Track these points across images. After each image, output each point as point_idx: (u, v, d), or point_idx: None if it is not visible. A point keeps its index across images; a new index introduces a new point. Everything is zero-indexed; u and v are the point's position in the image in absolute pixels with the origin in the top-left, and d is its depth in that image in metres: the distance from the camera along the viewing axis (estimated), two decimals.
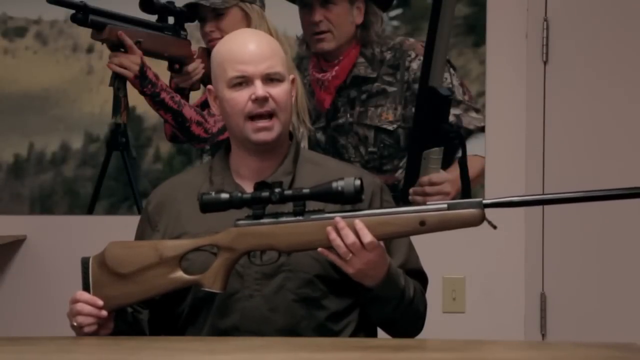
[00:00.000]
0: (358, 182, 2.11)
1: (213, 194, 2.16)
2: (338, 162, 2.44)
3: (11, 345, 2.19)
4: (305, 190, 2.14)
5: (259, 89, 2.23)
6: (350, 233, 2.10)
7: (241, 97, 2.24)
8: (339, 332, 2.27)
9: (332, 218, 2.12)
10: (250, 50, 2.25)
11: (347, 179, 2.12)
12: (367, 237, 2.10)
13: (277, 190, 2.14)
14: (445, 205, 2.12)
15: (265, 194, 2.14)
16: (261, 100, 2.23)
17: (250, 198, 2.15)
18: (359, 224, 2.10)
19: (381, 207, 2.27)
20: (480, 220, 2.14)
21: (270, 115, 2.25)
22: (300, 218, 2.14)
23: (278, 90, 2.25)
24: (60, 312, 3.76)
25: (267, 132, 2.25)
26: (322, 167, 2.34)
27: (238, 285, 2.23)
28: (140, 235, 2.39)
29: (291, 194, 2.15)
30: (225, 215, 2.17)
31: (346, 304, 2.28)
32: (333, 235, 2.11)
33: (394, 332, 2.31)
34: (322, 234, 2.11)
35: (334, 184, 2.11)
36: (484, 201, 2.16)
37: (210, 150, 3.77)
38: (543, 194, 2.25)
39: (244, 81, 2.24)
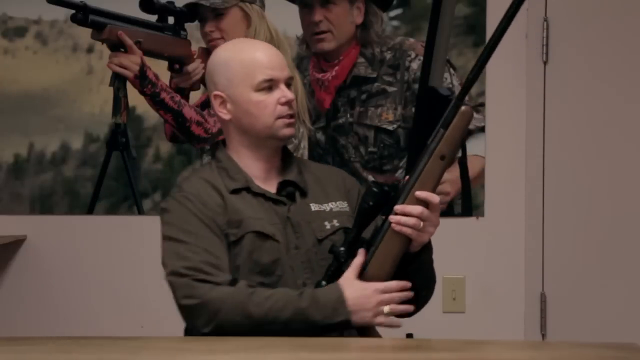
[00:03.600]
0: (373, 188, 2.28)
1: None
2: (315, 163, 2.64)
3: (11, 345, 2.19)
4: (353, 231, 2.31)
5: (288, 92, 2.39)
6: (410, 206, 2.25)
7: (271, 100, 2.37)
8: None
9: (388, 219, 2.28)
10: (275, 57, 2.41)
11: (363, 194, 2.31)
12: (435, 197, 2.26)
13: (341, 250, 2.30)
14: (442, 130, 2.26)
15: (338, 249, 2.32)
16: (290, 103, 2.39)
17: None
18: (420, 193, 2.25)
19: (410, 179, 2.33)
20: (471, 111, 2.29)
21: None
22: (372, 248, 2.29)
23: (293, 95, 2.41)
24: (60, 312, 3.77)
25: (291, 127, 2.40)
26: (305, 163, 2.53)
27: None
28: (193, 225, 2.36)
29: (351, 240, 2.31)
30: (266, 205, 2.37)
31: None
32: (396, 219, 2.25)
33: (425, 296, 2.39)
34: (396, 238, 2.26)
35: (363, 205, 2.29)
36: (455, 98, 2.30)
37: (210, 151, 3.76)
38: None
39: (272, 85, 2.38)
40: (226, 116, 2.40)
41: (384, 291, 2.27)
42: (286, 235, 2.36)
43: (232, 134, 2.42)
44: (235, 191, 2.37)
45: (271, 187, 2.40)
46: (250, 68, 2.37)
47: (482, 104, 3.73)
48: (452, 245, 3.68)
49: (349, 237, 2.32)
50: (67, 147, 3.81)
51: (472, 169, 3.71)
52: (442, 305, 3.71)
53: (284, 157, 2.46)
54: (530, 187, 3.73)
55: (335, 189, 2.47)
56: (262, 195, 2.38)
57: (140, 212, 3.78)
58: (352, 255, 2.30)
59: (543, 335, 3.73)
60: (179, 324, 3.70)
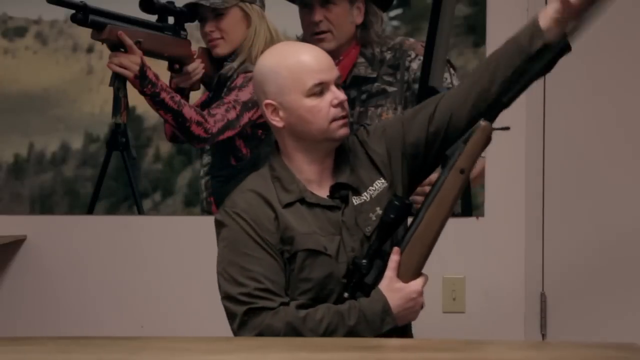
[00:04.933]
0: (395, 201, 2.32)
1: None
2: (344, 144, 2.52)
3: (11, 345, 2.19)
4: (374, 244, 2.35)
5: (340, 93, 2.38)
6: None
7: (324, 103, 2.37)
8: None
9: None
10: (322, 59, 2.39)
11: (385, 207, 2.35)
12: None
13: (363, 262, 2.33)
14: (462, 144, 2.34)
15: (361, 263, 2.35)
16: (343, 104, 2.38)
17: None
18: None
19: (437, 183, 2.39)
20: (490, 129, 2.35)
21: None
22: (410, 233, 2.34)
23: (345, 95, 2.40)
24: (60, 312, 3.77)
25: (346, 127, 2.40)
26: (344, 149, 2.47)
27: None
28: (247, 246, 2.36)
29: (372, 253, 2.34)
30: (320, 215, 2.37)
31: None
32: None
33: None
34: (431, 226, 2.33)
35: (385, 218, 2.32)
36: (483, 121, 2.35)
37: (211, 151, 3.76)
38: None
39: (322, 88, 2.37)
40: (279, 124, 2.40)
41: (421, 292, 2.34)
42: (342, 240, 2.37)
43: (286, 141, 2.42)
44: (288, 205, 2.37)
45: (325, 191, 2.41)
46: (299, 74, 2.36)
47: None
48: (452, 245, 3.68)
49: (370, 249, 2.34)
50: (67, 147, 3.81)
51: (472, 169, 3.70)
52: (442, 305, 3.71)
53: (337, 155, 2.44)
54: (530, 187, 3.73)
55: (369, 168, 2.46)
56: (316, 205, 2.38)
57: (140, 212, 3.78)
58: (372, 267, 2.33)
59: (543, 335, 3.73)
60: (179, 324, 3.71)
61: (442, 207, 2.34)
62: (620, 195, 3.72)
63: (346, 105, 2.39)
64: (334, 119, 2.37)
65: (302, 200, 2.38)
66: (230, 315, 2.33)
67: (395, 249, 2.32)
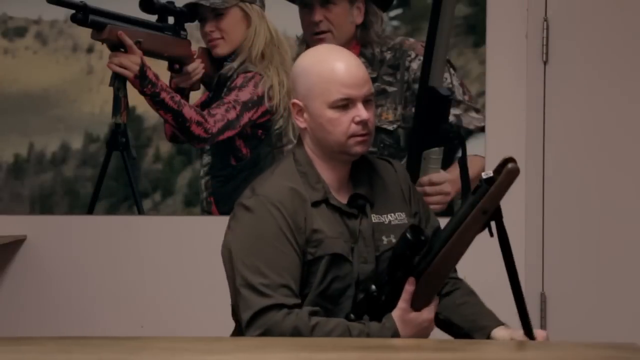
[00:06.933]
0: (409, 236, 2.27)
1: None
2: (368, 158, 2.52)
3: (11, 345, 2.19)
4: (385, 275, 2.33)
5: (364, 112, 2.35)
6: None
7: (345, 118, 2.35)
8: None
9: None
10: (354, 73, 2.36)
11: (400, 240, 2.29)
12: None
13: (374, 290, 2.32)
14: (486, 186, 2.26)
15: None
16: (365, 122, 2.35)
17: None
18: None
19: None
20: (517, 173, 2.25)
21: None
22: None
23: (372, 113, 2.38)
24: (60, 312, 3.77)
25: (364, 145, 2.38)
26: (373, 165, 2.49)
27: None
28: (278, 239, 2.34)
29: (383, 282, 2.32)
30: (339, 220, 2.37)
31: None
32: None
33: None
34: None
35: (398, 250, 2.29)
36: (509, 163, 2.26)
37: (211, 151, 3.76)
38: None
39: (348, 103, 2.34)
40: (302, 124, 2.40)
41: (433, 319, 2.33)
42: (357, 249, 2.37)
43: (307, 141, 2.42)
44: (315, 203, 2.37)
45: (343, 198, 2.40)
46: (327, 84, 2.34)
47: (478, 110, 3.73)
48: None
49: (382, 278, 2.32)
50: (67, 147, 3.81)
51: (472, 169, 3.71)
52: None
53: (355, 166, 2.44)
54: (530, 187, 3.73)
55: (396, 197, 2.47)
56: (338, 209, 2.38)
57: (140, 212, 3.78)
58: (383, 294, 2.31)
59: None
60: (179, 324, 3.71)
61: (461, 245, 2.32)
62: (620, 195, 3.72)
63: (370, 124, 2.37)
64: (353, 135, 2.36)
65: (326, 202, 2.38)
66: (245, 304, 2.29)
67: (411, 280, 2.29)
